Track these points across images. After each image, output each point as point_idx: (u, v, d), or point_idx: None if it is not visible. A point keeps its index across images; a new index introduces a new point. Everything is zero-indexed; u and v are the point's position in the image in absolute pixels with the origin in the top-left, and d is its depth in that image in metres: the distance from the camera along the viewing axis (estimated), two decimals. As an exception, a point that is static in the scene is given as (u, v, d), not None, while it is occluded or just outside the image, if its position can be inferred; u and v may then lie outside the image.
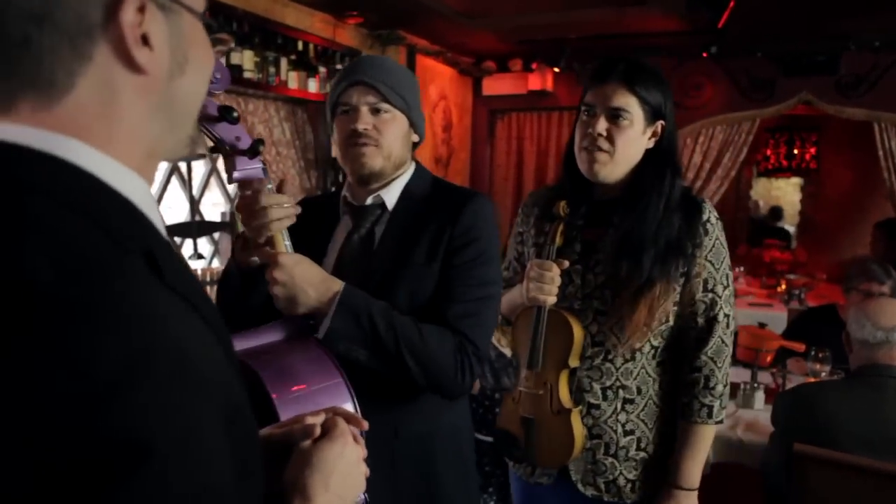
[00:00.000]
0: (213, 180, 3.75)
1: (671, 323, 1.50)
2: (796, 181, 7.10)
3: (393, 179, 1.35)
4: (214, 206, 3.87)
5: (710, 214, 1.50)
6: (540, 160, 5.67)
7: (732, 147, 5.03)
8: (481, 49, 5.10)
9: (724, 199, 5.25)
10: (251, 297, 1.24)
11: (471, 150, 5.83)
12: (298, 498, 0.70)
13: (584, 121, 1.49)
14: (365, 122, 1.28)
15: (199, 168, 3.66)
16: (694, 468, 1.49)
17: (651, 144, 1.50)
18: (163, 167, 3.27)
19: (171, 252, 0.55)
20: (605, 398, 1.51)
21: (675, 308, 1.49)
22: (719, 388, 1.48)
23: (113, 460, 0.41)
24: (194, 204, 3.46)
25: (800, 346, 2.60)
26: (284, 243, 1.17)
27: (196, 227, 3.34)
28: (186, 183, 3.42)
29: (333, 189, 3.88)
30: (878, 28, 4.20)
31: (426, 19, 4.08)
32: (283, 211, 1.15)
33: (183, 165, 3.38)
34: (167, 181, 3.39)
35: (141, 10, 0.52)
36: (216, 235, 3.73)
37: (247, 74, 3.21)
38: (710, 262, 1.48)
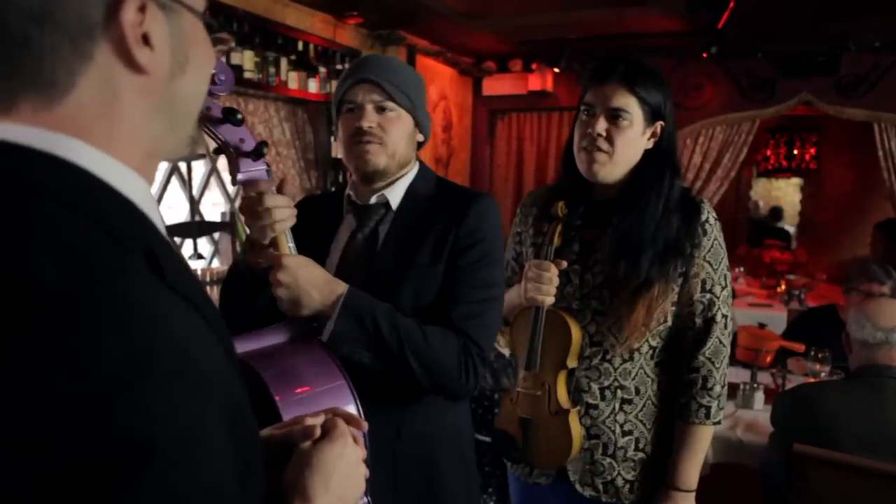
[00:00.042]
0: (212, 180, 3.75)
1: (669, 323, 1.50)
2: (796, 181, 7.10)
3: (397, 179, 1.35)
4: (214, 207, 3.87)
5: (709, 215, 1.49)
6: (540, 160, 5.68)
7: (732, 147, 5.03)
8: (481, 49, 5.11)
9: (724, 199, 5.26)
10: (257, 298, 1.24)
11: (471, 150, 5.83)
12: (298, 499, 0.71)
13: (584, 120, 1.49)
14: (370, 119, 1.28)
15: (199, 168, 3.66)
16: (691, 469, 1.49)
17: (650, 145, 1.50)
18: (163, 167, 3.27)
19: (171, 252, 0.55)
20: (603, 398, 1.51)
21: (674, 308, 1.49)
22: (717, 388, 1.48)
23: (115, 460, 0.41)
24: (194, 204, 3.46)
25: (799, 347, 2.60)
26: (288, 245, 1.17)
27: (196, 227, 3.34)
28: (186, 183, 3.42)
29: (333, 189, 3.84)
30: (878, 28, 4.20)
31: (426, 19, 4.08)
32: (286, 212, 1.15)
33: (183, 165, 3.38)
34: (167, 181, 3.39)
35: (142, 9, 0.52)
36: (216, 235, 3.73)
37: (247, 75, 3.21)
38: (708, 262, 1.48)
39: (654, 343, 1.51)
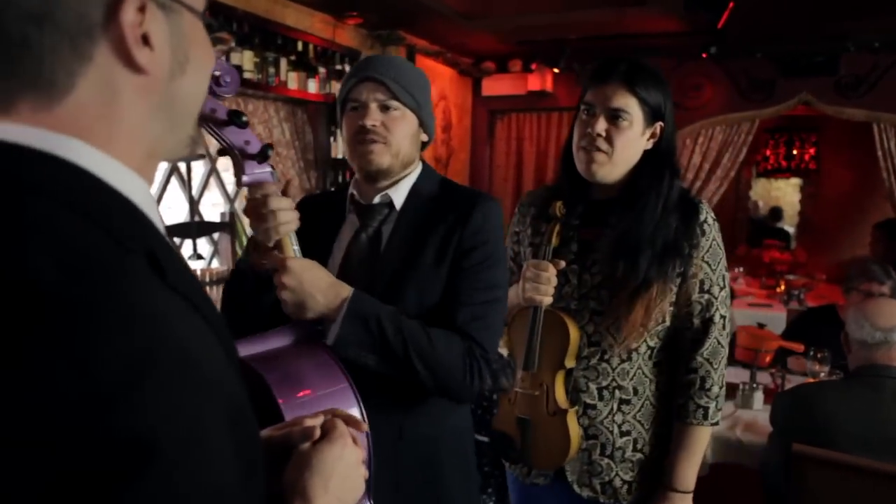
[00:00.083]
0: (212, 181, 3.75)
1: (667, 323, 1.50)
2: (796, 182, 7.10)
3: (401, 178, 1.34)
4: (214, 207, 3.87)
5: (707, 215, 1.49)
6: (539, 161, 5.68)
7: (732, 147, 5.03)
8: (481, 49, 5.11)
9: (723, 199, 5.26)
10: (262, 299, 1.24)
11: (470, 150, 5.84)
12: (298, 500, 0.70)
13: (584, 120, 1.49)
14: (373, 118, 1.27)
15: (199, 168, 3.67)
16: (689, 470, 1.49)
17: (650, 146, 1.50)
18: (162, 167, 3.27)
19: (172, 252, 0.55)
20: (601, 398, 1.50)
21: (672, 309, 1.49)
22: (715, 389, 1.48)
23: (118, 461, 0.41)
24: (194, 204, 3.46)
25: (799, 347, 2.60)
26: (293, 247, 1.16)
27: (195, 227, 3.34)
28: (186, 183, 3.42)
29: (332, 189, 3.84)
30: (877, 29, 4.20)
31: (426, 20, 4.08)
32: (291, 214, 1.14)
33: (182, 166, 3.38)
34: (167, 181, 3.39)
35: (141, 9, 0.52)
36: (215, 236, 3.73)
37: (246, 75, 3.21)
38: (706, 263, 1.48)
39: (652, 343, 1.50)
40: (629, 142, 1.46)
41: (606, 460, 1.51)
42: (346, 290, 1.17)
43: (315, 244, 1.27)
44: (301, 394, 1.00)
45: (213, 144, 1.14)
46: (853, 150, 6.02)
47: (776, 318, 4.08)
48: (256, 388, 0.97)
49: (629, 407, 1.51)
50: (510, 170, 5.79)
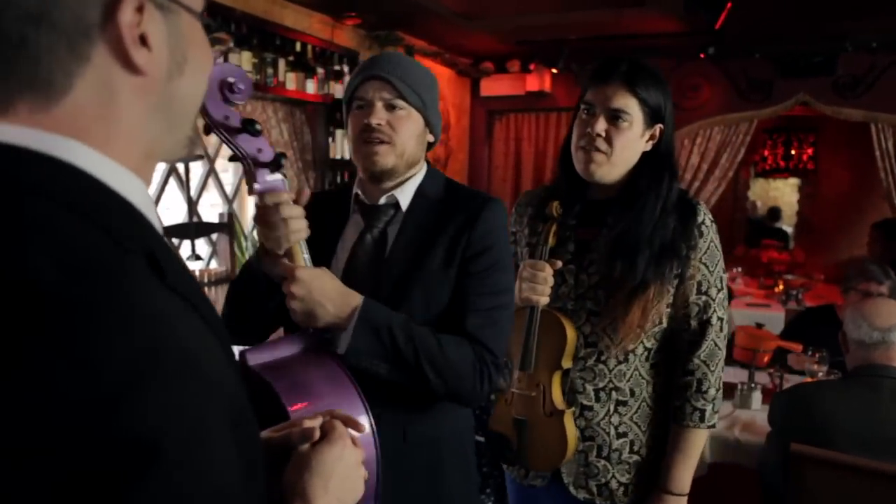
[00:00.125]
0: (210, 181, 3.75)
1: (664, 325, 1.49)
2: (794, 182, 7.12)
3: (406, 179, 1.32)
4: (212, 208, 3.87)
5: (705, 217, 1.49)
6: (538, 161, 5.68)
7: (730, 148, 5.04)
8: (479, 50, 5.11)
9: (721, 199, 5.27)
10: (269, 301, 1.23)
11: (469, 150, 5.84)
12: (298, 501, 0.70)
13: (583, 119, 1.48)
14: (379, 117, 1.25)
15: (197, 169, 3.66)
16: (685, 473, 1.48)
17: (649, 147, 1.49)
18: (160, 168, 3.27)
19: (170, 253, 0.55)
20: (597, 400, 1.50)
21: (669, 310, 1.49)
22: (712, 391, 1.47)
23: (121, 461, 0.41)
24: (192, 205, 3.46)
25: (797, 347, 2.60)
26: (304, 255, 1.15)
27: (194, 228, 3.33)
28: (184, 184, 3.42)
29: (331, 188, 3.83)
30: (875, 29, 4.21)
31: (424, 20, 4.09)
32: (302, 223, 1.13)
33: (181, 167, 3.38)
34: (165, 182, 3.39)
35: (139, 10, 0.52)
36: (214, 237, 3.73)
37: (245, 75, 3.20)
38: (704, 264, 1.47)
39: (649, 345, 1.50)
40: (628, 142, 1.45)
41: (603, 462, 1.51)
42: (356, 299, 1.16)
43: (319, 243, 1.26)
44: (309, 402, 1.00)
45: (226, 151, 1.13)
46: (851, 151, 6.03)
47: (774, 318, 4.08)
48: (265, 396, 0.98)
49: (626, 408, 1.50)
50: (508, 170, 5.79)
